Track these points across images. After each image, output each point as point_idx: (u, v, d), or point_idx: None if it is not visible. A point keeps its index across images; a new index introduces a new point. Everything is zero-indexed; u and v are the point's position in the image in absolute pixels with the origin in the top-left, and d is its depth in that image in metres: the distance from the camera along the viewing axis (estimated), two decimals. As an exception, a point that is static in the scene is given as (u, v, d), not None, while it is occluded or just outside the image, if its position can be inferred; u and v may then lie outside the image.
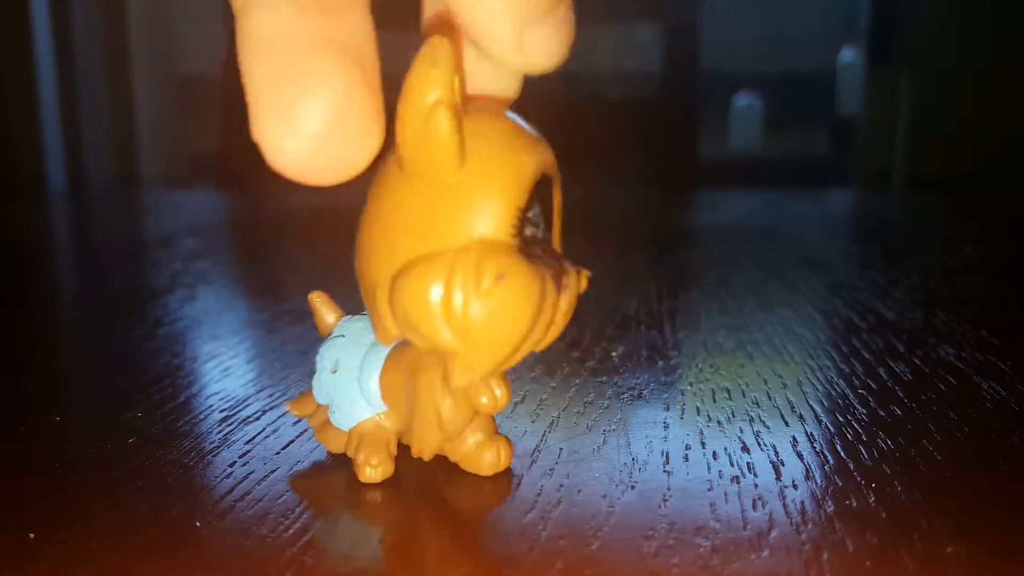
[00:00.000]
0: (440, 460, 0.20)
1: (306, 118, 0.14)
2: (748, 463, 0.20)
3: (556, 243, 0.17)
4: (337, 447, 0.20)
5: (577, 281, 0.17)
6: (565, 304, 0.17)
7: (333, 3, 0.15)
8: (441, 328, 0.15)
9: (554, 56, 0.16)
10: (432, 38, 0.15)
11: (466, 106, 0.16)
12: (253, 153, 0.14)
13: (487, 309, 0.15)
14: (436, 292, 0.15)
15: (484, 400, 0.17)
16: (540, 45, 0.15)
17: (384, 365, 0.19)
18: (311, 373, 0.20)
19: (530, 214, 0.16)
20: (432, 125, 0.15)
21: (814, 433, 0.22)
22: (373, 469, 0.19)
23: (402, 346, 0.18)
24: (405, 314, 0.16)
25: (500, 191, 0.16)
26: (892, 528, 0.17)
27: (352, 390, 0.19)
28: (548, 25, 0.15)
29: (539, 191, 0.16)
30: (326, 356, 0.20)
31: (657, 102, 1.04)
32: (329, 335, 0.21)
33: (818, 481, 0.19)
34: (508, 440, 0.20)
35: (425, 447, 0.19)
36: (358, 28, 0.15)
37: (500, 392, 0.17)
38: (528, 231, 0.16)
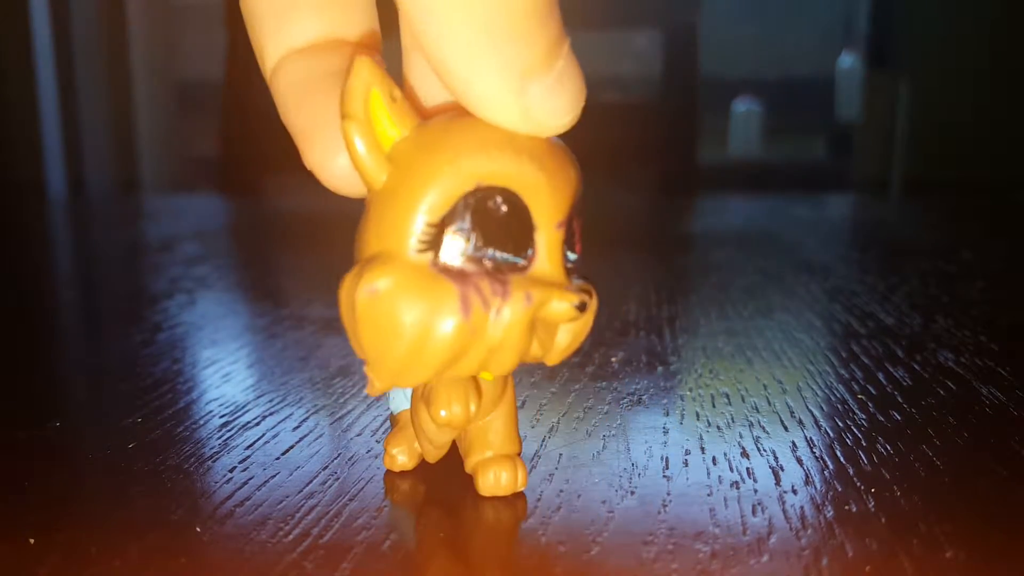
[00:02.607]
0: (442, 466, 0.20)
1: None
2: (748, 468, 0.20)
3: (553, 256, 0.16)
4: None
5: (525, 307, 0.15)
6: (506, 331, 0.15)
7: (338, 40, 0.17)
8: (351, 336, 0.16)
9: (565, 114, 0.14)
10: (356, 58, 0.15)
11: (427, 115, 0.16)
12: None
13: (361, 320, 0.15)
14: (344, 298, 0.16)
15: (442, 413, 0.16)
16: (546, 104, 0.14)
17: None
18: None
19: (455, 228, 0.15)
20: (344, 137, 0.15)
21: (813, 438, 0.22)
22: (392, 457, 0.19)
23: None
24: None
25: (404, 203, 0.15)
26: (891, 533, 0.17)
27: None
28: (551, 79, 0.14)
29: (480, 202, 0.15)
30: None
31: (656, 107, 1.05)
32: None
33: (817, 486, 0.19)
34: (520, 463, 0.18)
35: (424, 451, 0.19)
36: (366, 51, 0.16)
37: (456, 408, 0.16)
38: (455, 246, 0.15)
